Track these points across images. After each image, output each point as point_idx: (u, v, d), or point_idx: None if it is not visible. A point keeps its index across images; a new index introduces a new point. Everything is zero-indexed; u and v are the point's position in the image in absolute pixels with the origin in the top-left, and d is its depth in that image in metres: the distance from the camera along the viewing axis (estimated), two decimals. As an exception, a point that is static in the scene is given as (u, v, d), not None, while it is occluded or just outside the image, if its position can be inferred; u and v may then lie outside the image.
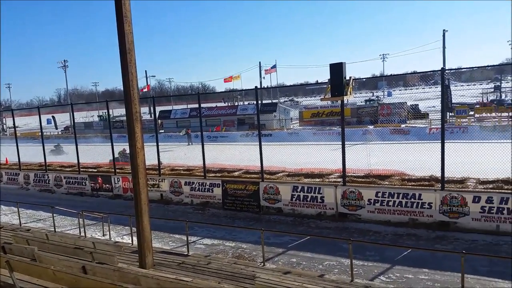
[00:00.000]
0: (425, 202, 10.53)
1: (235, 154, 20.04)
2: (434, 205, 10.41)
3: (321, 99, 12.35)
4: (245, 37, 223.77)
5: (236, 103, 57.24)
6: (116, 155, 20.12)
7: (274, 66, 67.66)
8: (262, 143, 13.20)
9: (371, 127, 35.08)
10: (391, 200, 10.92)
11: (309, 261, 9.02)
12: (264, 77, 70.92)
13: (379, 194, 11.08)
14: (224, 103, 63.86)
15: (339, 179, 12.28)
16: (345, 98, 10.99)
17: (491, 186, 10.58)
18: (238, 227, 11.55)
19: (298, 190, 12.32)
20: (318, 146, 22.61)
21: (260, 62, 70.91)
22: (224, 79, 64.59)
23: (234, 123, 45.65)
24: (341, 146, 11.62)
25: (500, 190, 10.02)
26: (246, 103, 60.46)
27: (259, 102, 14.73)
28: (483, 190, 10.29)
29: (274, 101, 62.84)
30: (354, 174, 12.78)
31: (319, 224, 11.69)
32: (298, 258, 9.22)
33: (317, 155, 18.20)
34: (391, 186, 11.34)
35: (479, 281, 7.49)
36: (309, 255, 9.32)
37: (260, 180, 13.15)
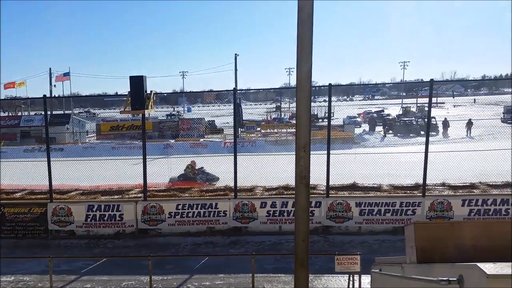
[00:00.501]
0: (221, 211, 11.26)
1: (17, 172, 17.29)
2: (229, 213, 11.24)
3: (121, 112, 11.88)
4: (31, 39, 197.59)
5: (19, 113, 49.61)
6: (183, 171, 15.33)
7: (67, 74, 61.60)
8: (52, 159, 11.77)
9: (172, 141, 35.70)
10: (190, 211, 11.26)
11: (106, 284, 8.43)
12: (55, 85, 63.78)
13: (180, 207, 11.29)
14: (4, 113, 54.55)
15: (140, 195, 11.96)
16: (146, 111, 10.85)
17: (274, 192, 12.07)
18: (19, 257, 9.92)
19: (94, 209, 11.43)
20: (118, 161, 21.61)
21: (50, 69, 63.58)
22: (5, 85, 55.28)
23: (16, 136, 39.46)
24: (142, 160, 11.38)
25: (281, 196, 11.54)
26: (32, 113, 53.09)
27: (48, 112, 13.13)
28: (268, 196, 11.66)
29: (67, 112, 57.19)
30: (155, 189, 12.68)
31: (117, 244, 11.09)
32: (93, 283, 8.51)
33: (116, 170, 17.34)
34: (190, 198, 11.72)
35: (267, 278, 8.40)
36: (106, 278, 8.71)
37: (49, 201, 11.67)
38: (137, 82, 10.43)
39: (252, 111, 60.58)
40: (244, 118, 44.30)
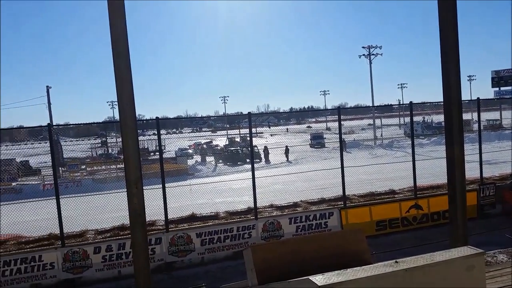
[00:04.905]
0: (47, 263, 9.88)
1: None
2: (57, 264, 9.94)
3: None
4: None
5: None
6: None
7: None
8: None
9: (-25, 188, 29.82)
10: (7, 269, 9.53)
11: None
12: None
13: (-7, 266, 9.49)
14: None
15: None
16: None
17: (109, 234, 11.21)
18: None
19: None
20: None
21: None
22: None
23: None
24: None
25: (117, 237, 10.80)
26: None
27: None
28: (102, 240, 10.77)
29: None
30: (-45, 248, 10.35)
31: None
32: None
33: None
34: (6, 253, 9.97)
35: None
36: None
37: None
38: None
39: (74, 148, 55.46)
40: (65, 155, 40.22)
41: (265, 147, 38.86)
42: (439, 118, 45.63)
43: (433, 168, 14.34)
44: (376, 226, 12.38)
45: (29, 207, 15.48)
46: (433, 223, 12.78)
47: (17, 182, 31.81)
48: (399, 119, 71.15)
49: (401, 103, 71.05)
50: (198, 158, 39.80)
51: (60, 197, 10.22)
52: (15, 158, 37.65)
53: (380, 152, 35.54)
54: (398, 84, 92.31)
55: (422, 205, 12.91)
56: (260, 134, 69.71)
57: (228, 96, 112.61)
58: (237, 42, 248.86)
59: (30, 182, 30.79)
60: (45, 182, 27.55)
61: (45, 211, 12.38)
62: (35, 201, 16.21)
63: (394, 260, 3.95)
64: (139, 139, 6.27)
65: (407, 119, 39.00)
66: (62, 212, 10.10)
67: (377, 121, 55.84)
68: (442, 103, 5.80)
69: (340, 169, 12.28)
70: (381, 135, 51.14)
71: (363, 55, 54.75)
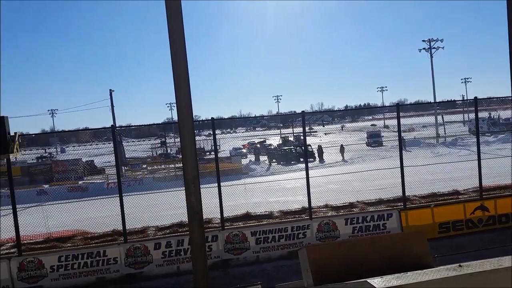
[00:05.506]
0: (110, 258, 10.41)
1: None
2: (120, 259, 10.45)
3: (-20, 158, 10.38)
4: None
5: None
6: None
7: None
8: None
9: (46, 186, 32.28)
10: (75, 263, 10.19)
11: None
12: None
13: (63, 259, 10.14)
14: None
15: (13, 249, 10.48)
16: (11, 156, 9.63)
17: (168, 231, 11.61)
18: None
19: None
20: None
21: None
22: None
23: None
24: (12, 210, 10.05)
25: (176, 234, 11.16)
26: None
27: None
28: (162, 236, 11.18)
29: None
30: (32, 241, 11.25)
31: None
32: None
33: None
34: (74, 247, 10.65)
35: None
36: None
37: None
38: (-4, 124, 9.23)
39: (136, 148, 58.17)
40: (127, 155, 42.30)
41: (319, 146, 38.36)
42: (507, 114, 42.56)
43: (500, 167, 13.39)
44: (438, 228, 11.78)
45: (94, 204, 16.41)
46: (500, 225, 11.93)
47: (83, 181, 33.98)
48: (463, 116, 67.18)
49: (465, 98, 66.96)
50: (252, 157, 40.15)
51: (122, 195, 10.74)
52: (81, 158, 40.28)
53: (443, 151, 33.79)
54: (462, 79, 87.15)
55: (488, 206, 12.10)
56: (314, 133, 68.94)
57: (281, 95, 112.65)
58: (290, 40, 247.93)
59: (95, 181, 32.72)
60: (109, 181, 29.14)
61: (108, 208, 13.05)
62: (100, 198, 17.19)
63: (457, 264, 3.74)
64: (196, 139, 6.43)
65: (472, 116, 36.75)
66: (124, 209, 10.62)
67: (439, 118, 53.03)
68: (510, 98, 5.39)
69: (399, 168, 11.82)
70: (444, 133, 48.53)
71: (424, 48, 52.39)
